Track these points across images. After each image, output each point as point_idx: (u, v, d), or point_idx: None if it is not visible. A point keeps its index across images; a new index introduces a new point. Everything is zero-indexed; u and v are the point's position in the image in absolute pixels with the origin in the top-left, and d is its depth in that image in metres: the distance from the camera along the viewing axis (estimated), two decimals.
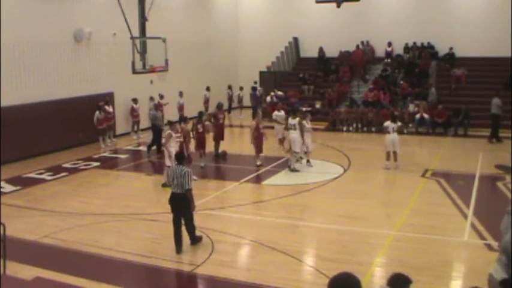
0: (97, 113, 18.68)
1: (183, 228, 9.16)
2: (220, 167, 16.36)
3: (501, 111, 18.74)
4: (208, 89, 25.51)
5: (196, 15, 26.47)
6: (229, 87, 27.31)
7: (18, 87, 16.89)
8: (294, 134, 14.87)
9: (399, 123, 15.39)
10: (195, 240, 9.30)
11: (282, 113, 17.71)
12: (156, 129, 17.71)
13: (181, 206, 9.01)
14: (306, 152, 15.49)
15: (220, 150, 17.03)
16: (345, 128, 21.88)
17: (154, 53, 15.34)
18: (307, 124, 15.43)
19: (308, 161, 15.55)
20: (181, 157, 9.37)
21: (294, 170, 14.81)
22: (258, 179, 14.28)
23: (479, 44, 23.89)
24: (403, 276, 4.21)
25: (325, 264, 8.47)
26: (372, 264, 8.50)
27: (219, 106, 17.56)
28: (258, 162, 15.47)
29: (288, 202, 12.30)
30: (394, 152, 14.78)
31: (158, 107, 19.58)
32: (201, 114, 16.17)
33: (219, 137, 16.97)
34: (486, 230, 9.72)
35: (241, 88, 26.95)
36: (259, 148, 15.48)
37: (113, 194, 13.36)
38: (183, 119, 15.06)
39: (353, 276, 3.48)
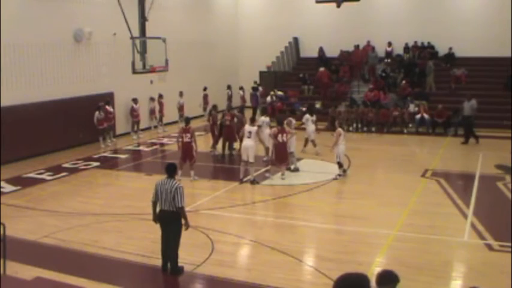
0: (97, 113, 18.67)
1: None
2: (221, 167, 16.35)
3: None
4: (205, 89, 25.18)
5: (196, 15, 26.45)
6: (229, 87, 27.25)
7: (18, 87, 16.87)
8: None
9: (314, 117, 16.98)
10: (177, 269, 8.22)
11: (267, 119, 16.39)
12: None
13: (170, 225, 8.12)
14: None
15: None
16: (344, 128, 21.84)
17: (154, 53, 15.33)
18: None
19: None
20: (172, 169, 8.27)
21: (294, 170, 14.83)
22: (257, 179, 14.25)
23: (479, 44, 23.90)
24: (392, 273, 3.96)
25: (325, 264, 8.47)
26: (372, 264, 8.50)
27: (228, 107, 17.65)
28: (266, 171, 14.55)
29: (288, 202, 12.31)
30: (313, 141, 16.80)
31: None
32: (215, 107, 16.92)
33: (226, 138, 16.96)
34: (486, 230, 9.67)
35: (241, 88, 26.84)
36: (279, 158, 14.04)
37: (113, 194, 13.36)
38: (187, 120, 14.86)
39: (364, 275, 3.44)
